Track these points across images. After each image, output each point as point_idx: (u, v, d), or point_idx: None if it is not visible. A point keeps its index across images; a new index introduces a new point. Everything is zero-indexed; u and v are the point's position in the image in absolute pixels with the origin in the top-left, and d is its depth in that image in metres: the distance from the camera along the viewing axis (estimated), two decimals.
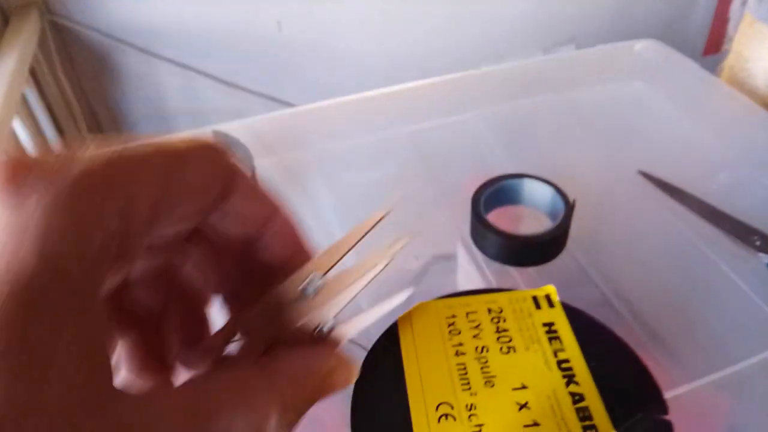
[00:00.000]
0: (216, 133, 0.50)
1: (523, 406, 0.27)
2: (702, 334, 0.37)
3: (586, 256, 0.42)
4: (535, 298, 0.31)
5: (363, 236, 0.26)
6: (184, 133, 0.55)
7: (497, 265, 0.42)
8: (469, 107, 0.55)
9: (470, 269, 0.43)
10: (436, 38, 1.31)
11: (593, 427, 0.26)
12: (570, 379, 0.28)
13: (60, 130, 1.18)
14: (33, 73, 1.11)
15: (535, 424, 0.26)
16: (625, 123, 0.54)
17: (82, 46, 1.22)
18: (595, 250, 0.42)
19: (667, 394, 0.26)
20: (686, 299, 0.39)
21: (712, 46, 1.50)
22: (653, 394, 0.27)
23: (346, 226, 0.45)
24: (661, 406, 0.27)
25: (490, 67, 0.59)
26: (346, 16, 1.27)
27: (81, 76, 1.26)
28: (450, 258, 0.43)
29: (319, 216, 0.46)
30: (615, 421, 0.26)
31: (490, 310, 0.31)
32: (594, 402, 0.27)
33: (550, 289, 0.32)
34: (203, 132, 0.50)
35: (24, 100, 1.08)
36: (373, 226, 0.27)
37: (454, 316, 0.31)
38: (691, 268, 0.41)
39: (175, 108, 1.35)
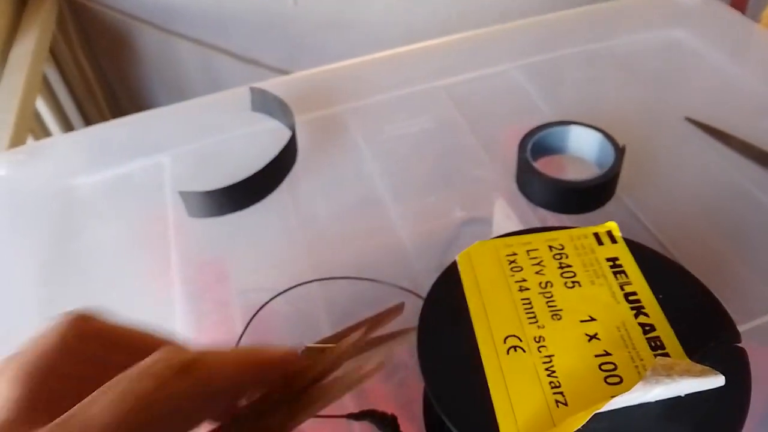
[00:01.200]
0: (253, 90, 0.50)
1: (592, 337, 0.26)
2: (757, 273, 0.37)
3: (635, 202, 0.41)
4: (596, 235, 0.31)
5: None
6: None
7: (542, 214, 0.41)
8: (505, 59, 0.54)
9: (509, 223, 0.42)
10: (456, 7, 1.29)
11: (666, 355, 0.25)
12: (639, 310, 0.27)
13: (81, 108, 1.18)
14: (53, 53, 1.11)
15: (606, 354, 0.25)
16: (668, 71, 0.52)
17: (99, 25, 1.22)
18: (644, 196, 0.41)
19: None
20: (737, 240, 0.39)
21: None
22: (725, 323, 0.26)
23: (385, 176, 0.45)
24: (734, 333, 0.26)
25: (526, 19, 0.58)
26: None
27: (100, 55, 1.26)
28: (484, 221, 0.42)
29: (358, 167, 0.46)
30: (688, 349, 0.25)
31: (551, 248, 0.30)
32: (665, 332, 0.26)
33: (612, 225, 0.31)
34: (244, 89, 0.50)
35: (45, 80, 1.09)
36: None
37: (514, 254, 0.30)
38: (739, 210, 0.41)
39: (194, 85, 1.34)
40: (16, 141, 0.72)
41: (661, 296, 0.28)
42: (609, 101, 0.49)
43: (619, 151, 0.41)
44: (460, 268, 0.30)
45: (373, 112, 0.50)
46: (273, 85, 0.50)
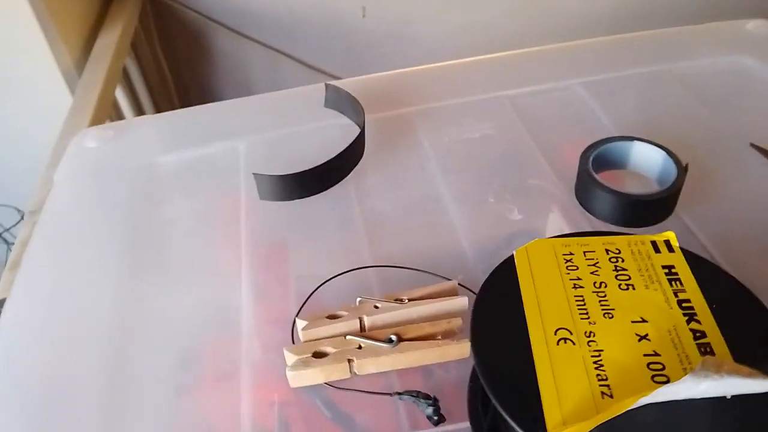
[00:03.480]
0: (329, 86, 0.52)
1: (642, 338, 0.27)
2: None
3: (694, 221, 0.41)
4: (654, 243, 0.32)
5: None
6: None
7: (597, 226, 0.42)
8: (571, 75, 0.55)
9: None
10: (519, 33, 1.30)
11: None
12: (691, 317, 0.28)
13: (154, 100, 1.24)
14: (134, 47, 1.18)
15: (655, 354, 0.26)
16: (734, 96, 0.52)
17: (178, 23, 1.28)
18: (703, 216, 0.41)
19: None
20: None
21: None
22: None
23: (446, 176, 0.46)
24: None
25: (594, 38, 0.59)
26: (430, 3, 1.27)
27: (176, 51, 1.33)
28: (537, 229, 0.43)
29: (421, 167, 0.47)
30: (737, 357, 0.26)
31: (607, 251, 0.31)
32: (716, 339, 0.27)
33: (670, 234, 0.32)
34: (320, 86, 0.52)
35: (125, 72, 1.15)
36: None
37: (571, 254, 0.31)
38: None
39: (260, 85, 1.39)
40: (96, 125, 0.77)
41: (714, 306, 0.28)
42: (672, 122, 0.49)
43: (682, 169, 0.41)
44: (517, 261, 0.31)
45: (440, 116, 0.52)
46: (347, 83, 0.53)
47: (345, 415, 0.33)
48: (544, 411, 0.25)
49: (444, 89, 0.55)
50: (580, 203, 0.43)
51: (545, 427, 0.24)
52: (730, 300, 0.29)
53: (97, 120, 0.77)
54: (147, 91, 1.22)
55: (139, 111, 1.17)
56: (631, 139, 0.44)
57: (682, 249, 0.31)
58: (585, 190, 0.43)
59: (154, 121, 0.58)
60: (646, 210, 0.41)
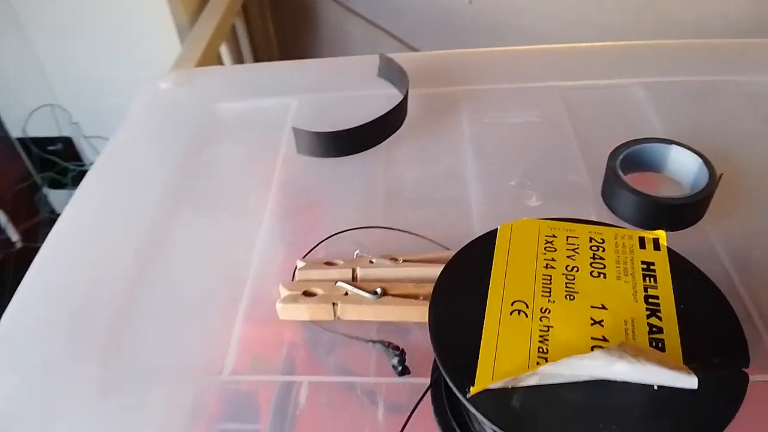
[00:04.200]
0: (382, 57, 0.54)
1: (596, 323, 0.27)
2: None
3: (716, 233, 0.40)
4: (641, 239, 0.31)
5: None
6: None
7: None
8: (631, 74, 0.53)
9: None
10: (635, 34, 1.25)
11: None
12: (653, 312, 0.28)
13: (257, 60, 1.31)
14: (244, 8, 1.25)
15: (604, 339, 0.26)
16: None
17: None
18: (729, 232, 0.40)
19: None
20: None
21: None
22: (737, 346, 0.26)
23: (476, 155, 0.47)
24: (744, 359, 0.26)
25: (660, 40, 0.57)
26: None
27: (283, 16, 1.39)
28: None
29: (455, 144, 0.49)
30: (689, 359, 0.26)
31: (591, 239, 0.32)
32: (671, 337, 0.26)
33: (660, 233, 0.31)
34: (375, 56, 0.55)
35: (233, 30, 1.22)
36: None
37: (554, 237, 0.32)
38: None
39: None
40: None
41: (682, 306, 0.28)
42: (722, 134, 0.47)
43: (714, 178, 0.40)
44: (499, 236, 0.32)
45: (485, 98, 0.52)
46: (403, 58, 0.54)
47: (325, 348, 0.36)
48: (478, 370, 0.26)
49: (497, 73, 0.55)
50: (605, 201, 0.43)
51: (473, 383, 0.25)
52: (703, 306, 0.28)
53: None
54: (251, 50, 1.30)
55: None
56: (669, 142, 0.43)
57: (670, 250, 0.31)
58: (609, 188, 0.42)
59: (223, 71, 0.62)
60: (668, 214, 0.40)
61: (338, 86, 0.55)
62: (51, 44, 0.99)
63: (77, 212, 0.46)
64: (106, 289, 0.40)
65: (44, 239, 0.44)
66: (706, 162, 0.41)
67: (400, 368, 0.33)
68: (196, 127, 0.53)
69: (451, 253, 0.38)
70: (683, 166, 0.42)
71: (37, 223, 1.20)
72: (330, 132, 0.46)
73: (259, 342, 0.36)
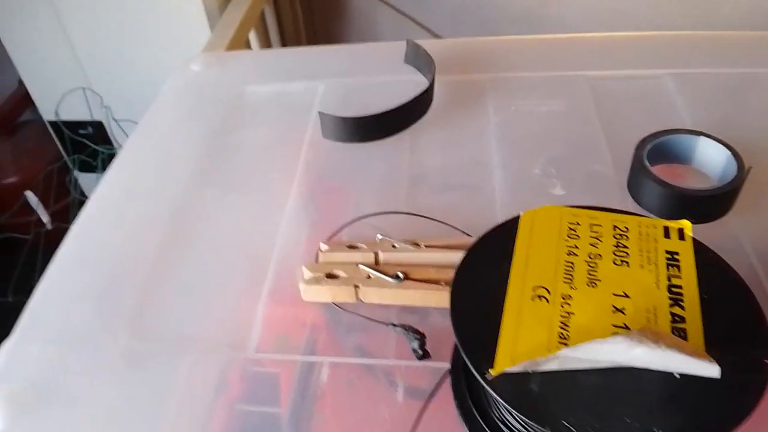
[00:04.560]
0: (409, 43, 0.54)
1: (618, 311, 0.27)
2: None
3: (744, 229, 0.39)
4: (666, 228, 0.31)
5: None
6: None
7: None
8: (661, 65, 0.52)
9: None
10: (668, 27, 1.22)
11: None
12: (676, 302, 0.28)
13: (284, 46, 1.31)
14: None
15: (625, 327, 0.26)
16: None
17: None
18: (756, 227, 0.39)
19: None
20: None
21: None
22: (759, 335, 0.26)
23: (501, 142, 0.47)
24: (765, 348, 0.26)
25: (693, 32, 0.56)
26: None
27: (313, 6, 1.39)
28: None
29: (480, 131, 0.48)
30: (711, 349, 0.25)
31: (615, 227, 0.31)
32: (694, 327, 0.26)
33: (686, 223, 0.31)
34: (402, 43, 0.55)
35: (262, 17, 1.23)
36: None
37: (577, 224, 0.32)
38: None
39: None
40: None
41: (705, 296, 0.28)
42: (753, 126, 0.46)
43: (743, 170, 0.39)
44: (521, 223, 0.32)
45: (511, 86, 0.52)
46: (430, 44, 0.54)
47: (346, 330, 0.36)
48: (497, 353, 0.26)
49: (524, 61, 0.55)
50: (630, 192, 0.43)
51: (492, 366, 0.25)
52: (727, 296, 0.28)
53: None
54: (279, 38, 1.30)
55: None
56: (698, 133, 0.42)
57: (695, 240, 0.31)
58: (634, 179, 0.42)
59: (252, 55, 0.63)
60: (694, 207, 0.39)
61: (365, 72, 0.56)
62: (84, 29, 1.01)
63: (109, 190, 0.47)
64: (135, 264, 0.41)
65: (74, 221, 0.45)
66: (735, 154, 0.40)
67: (420, 352, 0.34)
68: (225, 109, 0.54)
69: (471, 239, 0.38)
70: (711, 159, 0.42)
71: (68, 205, 1.23)
72: (356, 117, 0.47)
73: (283, 321, 0.37)
